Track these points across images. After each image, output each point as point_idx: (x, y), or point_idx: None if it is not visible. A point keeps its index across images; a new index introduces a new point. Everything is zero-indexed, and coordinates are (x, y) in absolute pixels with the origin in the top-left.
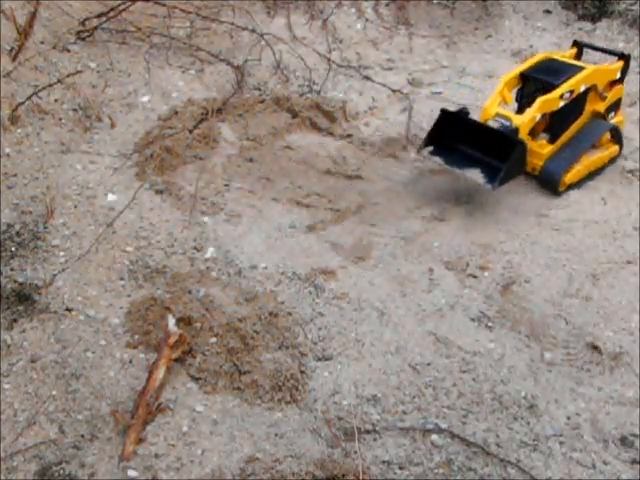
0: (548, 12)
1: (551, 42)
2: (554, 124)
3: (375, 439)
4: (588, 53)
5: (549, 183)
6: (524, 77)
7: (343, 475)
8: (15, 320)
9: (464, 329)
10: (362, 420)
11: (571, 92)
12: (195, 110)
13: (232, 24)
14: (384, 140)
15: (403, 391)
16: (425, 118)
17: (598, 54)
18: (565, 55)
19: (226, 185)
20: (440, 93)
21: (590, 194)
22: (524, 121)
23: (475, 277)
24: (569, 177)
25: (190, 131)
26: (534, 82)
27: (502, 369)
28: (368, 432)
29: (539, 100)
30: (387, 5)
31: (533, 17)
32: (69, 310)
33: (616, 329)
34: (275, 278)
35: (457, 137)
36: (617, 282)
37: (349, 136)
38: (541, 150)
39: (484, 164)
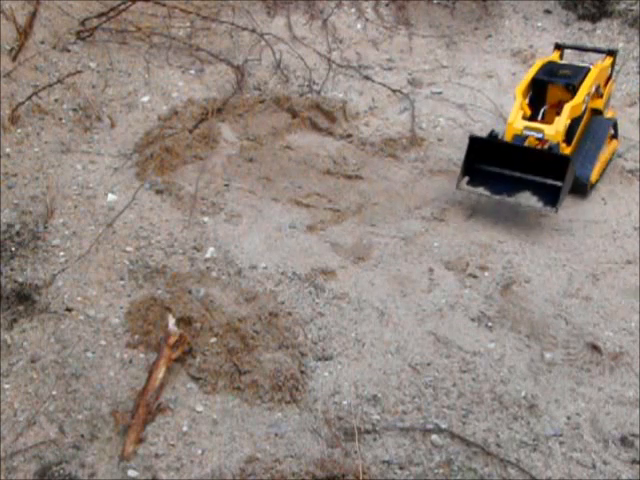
0: (548, 12)
1: (551, 42)
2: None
3: (375, 439)
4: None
5: (579, 186)
6: (536, 83)
7: (343, 475)
8: (15, 320)
9: (464, 329)
10: (362, 420)
11: (589, 95)
12: (195, 110)
13: (232, 24)
14: (384, 140)
15: (403, 391)
16: (425, 118)
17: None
18: (554, 58)
19: (226, 185)
20: (440, 93)
21: (590, 194)
22: (558, 130)
23: (475, 277)
24: (594, 176)
25: (190, 131)
26: (548, 85)
27: (502, 369)
28: (368, 432)
29: (567, 107)
30: (387, 5)
31: (533, 17)
32: (69, 310)
33: (616, 329)
34: (275, 278)
35: (492, 162)
36: (617, 282)
37: (349, 136)
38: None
39: (532, 185)
